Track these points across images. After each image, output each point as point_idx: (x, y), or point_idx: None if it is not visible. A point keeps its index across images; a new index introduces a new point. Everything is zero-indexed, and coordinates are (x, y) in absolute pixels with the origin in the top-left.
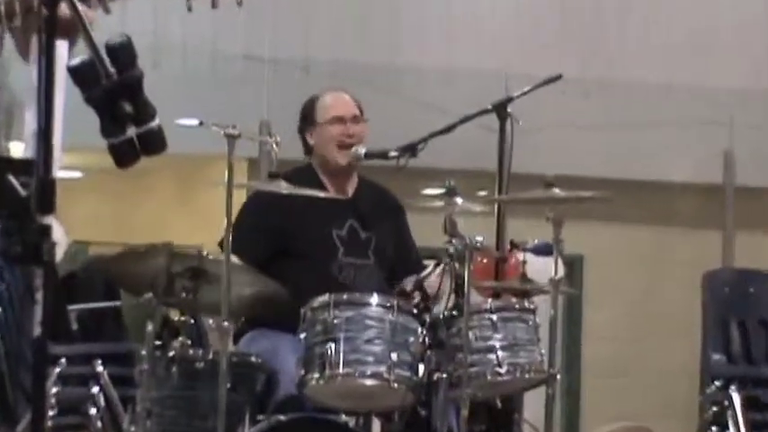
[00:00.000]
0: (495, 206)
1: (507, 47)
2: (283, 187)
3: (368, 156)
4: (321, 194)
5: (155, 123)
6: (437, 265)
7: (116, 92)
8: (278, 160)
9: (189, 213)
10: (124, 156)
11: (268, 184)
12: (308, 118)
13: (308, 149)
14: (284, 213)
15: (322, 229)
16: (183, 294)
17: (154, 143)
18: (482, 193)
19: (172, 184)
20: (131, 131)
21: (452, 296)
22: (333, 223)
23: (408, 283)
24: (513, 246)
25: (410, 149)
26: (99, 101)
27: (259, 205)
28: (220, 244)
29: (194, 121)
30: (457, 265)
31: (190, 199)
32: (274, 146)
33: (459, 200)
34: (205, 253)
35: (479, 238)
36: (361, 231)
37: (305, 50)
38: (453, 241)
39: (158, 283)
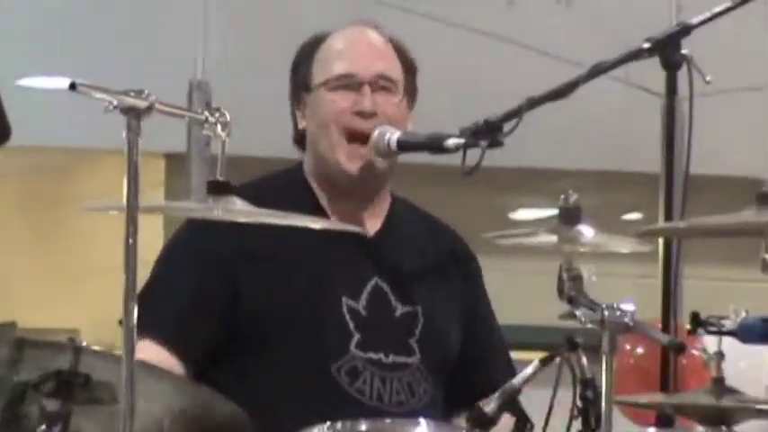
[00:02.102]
0: (660, 243)
1: None
2: (240, 213)
3: (405, 146)
4: (316, 226)
5: None
6: (546, 361)
7: None
8: (228, 159)
9: (49, 267)
10: None
11: (208, 205)
12: (299, 76)
13: (300, 138)
14: (244, 264)
15: (319, 297)
16: (42, 428)
17: None
18: (633, 217)
19: (16, 209)
20: None
21: (575, 422)
22: (340, 285)
23: (491, 401)
24: (697, 323)
25: (489, 133)
26: None
27: (195, 249)
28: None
29: (59, 82)
30: (584, 360)
31: (52, 237)
32: (220, 131)
33: (586, 231)
34: (84, 343)
35: (629, 308)
36: (396, 302)
37: None
38: (577, 313)
39: None
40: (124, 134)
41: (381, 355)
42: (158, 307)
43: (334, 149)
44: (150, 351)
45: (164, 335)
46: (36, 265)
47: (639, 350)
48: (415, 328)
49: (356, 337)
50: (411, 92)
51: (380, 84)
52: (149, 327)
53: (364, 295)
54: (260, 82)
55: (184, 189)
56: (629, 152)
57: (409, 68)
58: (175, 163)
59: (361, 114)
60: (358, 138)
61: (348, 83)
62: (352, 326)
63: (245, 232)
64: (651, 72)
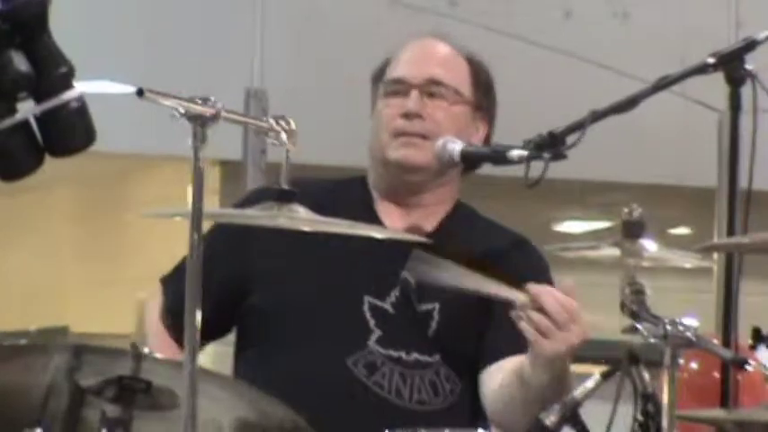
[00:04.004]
0: (721, 259)
1: None
2: (304, 221)
3: (468, 157)
4: (378, 235)
5: (72, 94)
6: (607, 375)
7: None
8: (292, 167)
9: (102, 272)
10: (13, 156)
11: (272, 213)
12: (373, 92)
13: None
14: (269, 252)
15: (340, 294)
16: None
17: (70, 132)
18: (681, 232)
19: (69, 215)
20: (27, 110)
21: None
22: (366, 284)
23: (551, 413)
24: (759, 338)
25: (552, 145)
26: None
27: (217, 231)
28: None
29: (123, 88)
30: (645, 375)
31: (105, 243)
32: (285, 139)
33: (649, 245)
34: (145, 350)
35: (692, 323)
36: (418, 299)
37: None
38: (639, 327)
39: (52, 409)
40: (189, 141)
41: (403, 353)
42: (172, 279)
43: (384, 149)
44: (152, 309)
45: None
46: (88, 271)
47: (693, 365)
48: (429, 327)
49: (376, 333)
50: (481, 107)
51: (431, 89)
52: (167, 283)
53: (393, 294)
54: (316, 90)
55: (239, 196)
56: (681, 166)
57: (479, 82)
58: (230, 170)
59: (406, 116)
60: (403, 134)
61: (399, 89)
62: (372, 323)
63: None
64: (708, 87)
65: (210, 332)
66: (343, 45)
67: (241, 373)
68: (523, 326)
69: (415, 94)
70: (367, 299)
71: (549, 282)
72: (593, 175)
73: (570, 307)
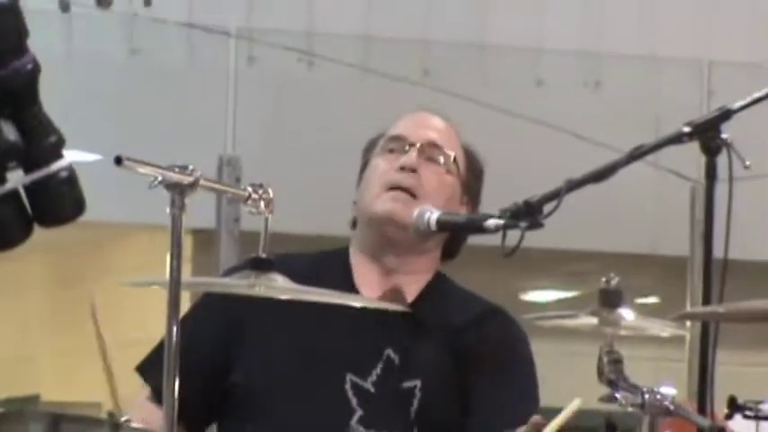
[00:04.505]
0: (696, 328)
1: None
2: (281, 290)
3: (445, 226)
4: (357, 304)
5: (62, 164)
6: None
7: None
8: (253, 235)
9: (73, 341)
10: (2, 226)
11: (250, 281)
12: (363, 163)
13: (354, 219)
14: (250, 330)
15: (322, 373)
16: None
17: (60, 202)
18: (649, 301)
19: (41, 283)
20: (17, 180)
21: None
22: (349, 362)
23: None
24: (735, 407)
25: (528, 214)
26: None
27: (198, 308)
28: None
29: (89, 156)
30: None
31: (76, 312)
32: (263, 207)
33: (626, 314)
34: (123, 418)
35: (670, 391)
36: (402, 374)
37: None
38: (617, 396)
39: None
40: (167, 210)
41: None
42: (151, 364)
43: (373, 201)
44: (145, 409)
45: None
46: (59, 340)
47: None
48: (411, 405)
49: (359, 413)
50: (470, 188)
51: (430, 152)
52: (152, 375)
53: (375, 372)
54: (289, 158)
55: (212, 265)
56: (653, 235)
57: (473, 167)
58: (203, 239)
59: (402, 169)
60: (395, 189)
61: (397, 146)
62: (355, 402)
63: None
64: (680, 156)
65: (195, 416)
66: (317, 112)
67: None
68: None
69: (414, 151)
70: (349, 377)
71: (527, 351)
72: (564, 244)
73: None
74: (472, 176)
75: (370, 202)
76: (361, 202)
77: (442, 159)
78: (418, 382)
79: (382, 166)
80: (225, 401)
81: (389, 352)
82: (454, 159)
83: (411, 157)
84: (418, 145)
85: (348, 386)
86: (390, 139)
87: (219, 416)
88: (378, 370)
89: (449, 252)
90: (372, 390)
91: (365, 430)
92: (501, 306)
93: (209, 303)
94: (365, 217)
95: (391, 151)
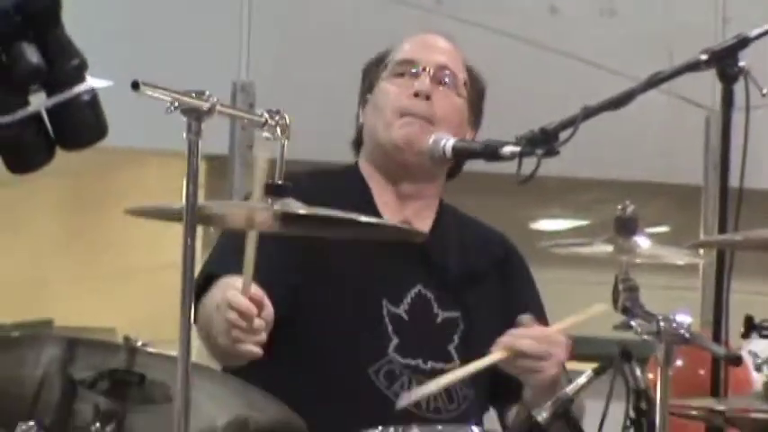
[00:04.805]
0: (711, 256)
1: None
2: (294, 207)
3: (460, 153)
4: (367, 219)
5: (84, 87)
6: (599, 371)
7: (8, 26)
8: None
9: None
10: (25, 149)
11: (267, 207)
12: (366, 81)
13: (358, 140)
14: (291, 258)
15: (359, 299)
16: (96, 426)
17: (82, 125)
18: (659, 230)
19: (54, 209)
20: (39, 103)
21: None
22: (382, 289)
23: (544, 410)
24: (752, 327)
25: (544, 141)
26: None
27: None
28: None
29: (100, 82)
30: (638, 371)
31: (89, 238)
32: (279, 133)
33: (642, 241)
34: (138, 342)
35: (686, 319)
36: (438, 308)
37: None
38: (632, 324)
39: (45, 402)
40: (184, 135)
41: (419, 361)
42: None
43: (388, 127)
44: (233, 281)
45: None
46: (73, 265)
47: (679, 362)
48: (454, 334)
49: (395, 341)
50: (475, 109)
51: (441, 75)
52: (229, 266)
53: (407, 300)
54: (304, 83)
55: (225, 192)
56: (665, 164)
57: (475, 86)
58: (216, 165)
59: (416, 96)
60: (409, 115)
61: (408, 70)
62: (390, 329)
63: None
64: (694, 84)
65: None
66: (330, 38)
67: (260, 382)
68: (517, 374)
69: (425, 76)
70: (385, 303)
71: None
72: (574, 172)
73: (542, 335)
74: (476, 96)
75: (384, 129)
76: (373, 127)
77: (452, 83)
78: (459, 313)
79: (393, 92)
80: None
81: (419, 283)
82: (465, 82)
83: (424, 82)
84: (430, 69)
85: (385, 312)
86: (399, 62)
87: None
88: (408, 298)
89: (450, 173)
90: (406, 317)
91: (402, 359)
92: (503, 233)
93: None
94: (378, 143)
95: (401, 75)
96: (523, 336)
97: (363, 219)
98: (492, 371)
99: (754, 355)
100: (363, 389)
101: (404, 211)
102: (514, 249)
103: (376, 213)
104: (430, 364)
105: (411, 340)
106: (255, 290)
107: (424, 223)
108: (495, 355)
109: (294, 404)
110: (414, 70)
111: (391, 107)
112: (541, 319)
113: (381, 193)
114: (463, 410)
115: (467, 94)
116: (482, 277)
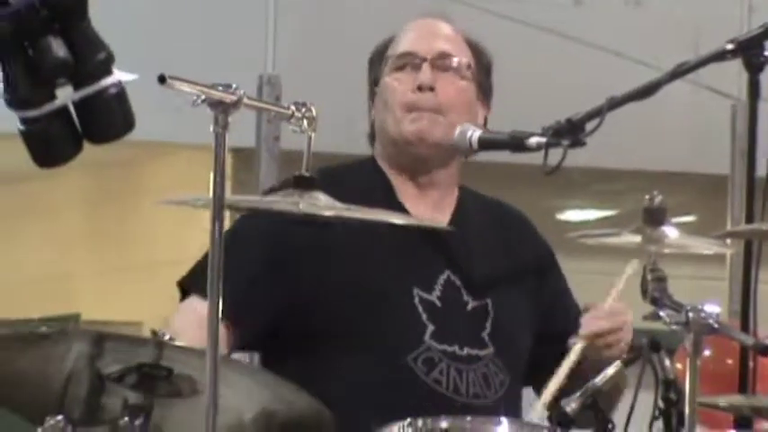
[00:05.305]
0: (738, 246)
1: None
2: (324, 208)
3: (487, 144)
4: (399, 222)
5: (111, 80)
6: (628, 362)
7: (35, 20)
8: (294, 154)
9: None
10: (52, 143)
11: (293, 200)
12: (372, 73)
13: (373, 133)
14: (314, 253)
15: (391, 288)
16: (125, 420)
17: (109, 119)
18: (685, 220)
19: (80, 203)
20: (66, 96)
21: (657, 422)
22: (413, 276)
23: (572, 401)
24: None
25: (570, 132)
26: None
27: (264, 229)
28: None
29: (126, 76)
30: (666, 361)
31: (115, 231)
32: (306, 125)
33: (671, 231)
34: (166, 336)
35: (714, 309)
36: (468, 296)
37: None
38: (661, 314)
39: (73, 397)
40: (211, 128)
41: (456, 347)
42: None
43: (398, 124)
44: (195, 306)
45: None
46: (99, 259)
47: (707, 352)
48: (486, 321)
49: (430, 328)
50: (483, 87)
51: (442, 63)
52: (199, 285)
53: (438, 287)
54: (330, 76)
55: (252, 184)
56: (692, 154)
57: (481, 62)
58: (243, 158)
59: (419, 89)
60: (416, 110)
61: (409, 62)
62: (425, 317)
63: (305, 222)
64: (720, 74)
65: (267, 330)
66: (357, 30)
67: (295, 376)
68: (602, 355)
69: (426, 66)
70: (416, 291)
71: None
72: (600, 162)
73: (609, 311)
74: (483, 74)
75: (394, 125)
76: (384, 123)
77: (455, 67)
78: (489, 300)
79: (397, 87)
80: (292, 325)
81: (447, 270)
82: (468, 65)
83: (426, 74)
84: (430, 59)
85: (417, 300)
86: (400, 56)
87: (298, 346)
88: (439, 285)
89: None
90: (439, 304)
91: (438, 345)
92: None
93: (278, 233)
94: (391, 139)
95: (402, 68)
96: (596, 318)
97: (395, 220)
98: (525, 356)
99: None
100: (403, 377)
101: (425, 199)
102: (533, 227)
103: (399, 205)
104: (466, 351)
105: (446, 326)
106: None
107: (445, 211)
108: (578, 347)
109: (332, 396)
110: (415, 62)
111: (398, 103)
112: (569, 295)
113: (401, 186)
114: (500, 396)
115: (472, 75)
116: (509, 262)
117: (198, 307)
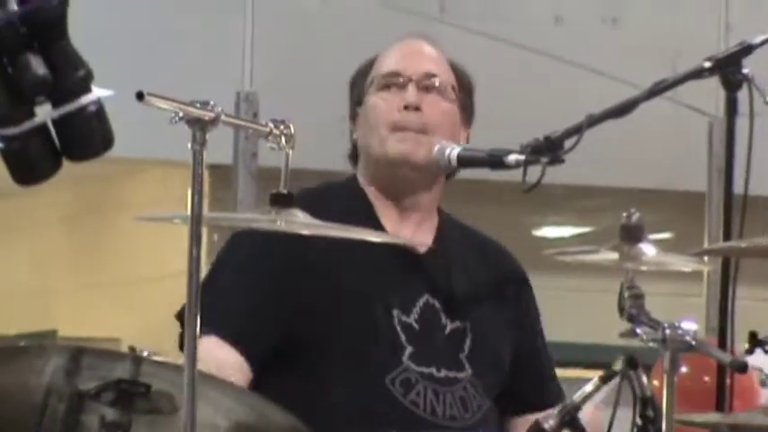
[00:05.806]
0: (716, 264)
1: None
2: (302, 225)
3: (466, 161)
4: (374, 239)
5: (90, 98)
6: (605, 379)
7: (15, 37)
8: (272, 171)
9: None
10: (31, 160)
11: (271, 217)
12: (354, 93)
13: (354, 152)
14: (298, 274)
15: (370, 309)
16: None
17: (88, 136)
18: (662, 237)
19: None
20: (45, 114)
21: None
22: (393, 299)
23: (551, 418)
24: (756, 342)
25: (549, 149)
26: None
27: (250, 256)
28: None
29: (101, 92)
30: (644, 379)
31: (93, 247)
32: (284, 142)
33: (648, 249)
34: (144, 353)
35: (691, 326)
36: (446, 319)
37: None
38: (638, 331)
39: (51, 412)
40: (189, 145)
41: (433, 369)
42: (225, 304)
43: (383, 143)
44: (218, 349)
45: (230, 332)
46: (77, 275)
47: (684, 369)
48: (464, 343)
49: (408, 349)
50: (465, 108)
51: (427, 83)
52: (216, 323)
53: (416, 310)
54: (307, 93)
55: (230, 201)
56: (669, 171)
57: (463, 84)
58: (220, 175)
59: (406, 108)
60: (401, 129)
61: (394, 81)
62: (404, 338)
63: (300, 242)
64: (697, 91)
65: (272, 354)
66: (333, 47)
67: (274, 392)
68: None
69: (412, 86)
70: (396, 314)
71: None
72: (577, 179)
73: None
74: (465, 94)
75: (378, 145)
76: (368, 143)
77: (440, 88)
78: (468, 324)
79: (383, 106)
80: (285, 350)
81: (426, 293)
82: (452, 86)
83: (412, 94)
84: (416, 79)
85: (396, 322)
86: (385, 75)
87: (279, 365)
88: (417, 308)
89: (448, 175)
90: (417, 327)
91: (417, 366)
92: (500, 242)
93: (266, 258)
94: (375, 159)
95: (388, 87)
96: None
97: (373, 239)
98: (505, 383)
99: (759, 371)
100: (381, 398)
101: (406, 222)
102: (513, 258)
103: (379, 227)
104: (444, 372)
105: (424, 349)
106: None
107: (426, 234)
108: None
109: (311, 416)
110: (400, 81)
111: (383, 122)
112: (539, 330)
113: (383, 208)
114: (477, 419)
115: (456, 97)
116: (488, 290)
117: (219, 354)
